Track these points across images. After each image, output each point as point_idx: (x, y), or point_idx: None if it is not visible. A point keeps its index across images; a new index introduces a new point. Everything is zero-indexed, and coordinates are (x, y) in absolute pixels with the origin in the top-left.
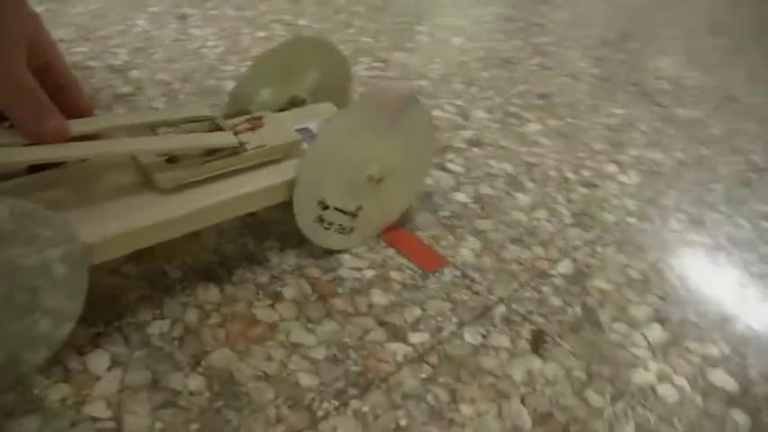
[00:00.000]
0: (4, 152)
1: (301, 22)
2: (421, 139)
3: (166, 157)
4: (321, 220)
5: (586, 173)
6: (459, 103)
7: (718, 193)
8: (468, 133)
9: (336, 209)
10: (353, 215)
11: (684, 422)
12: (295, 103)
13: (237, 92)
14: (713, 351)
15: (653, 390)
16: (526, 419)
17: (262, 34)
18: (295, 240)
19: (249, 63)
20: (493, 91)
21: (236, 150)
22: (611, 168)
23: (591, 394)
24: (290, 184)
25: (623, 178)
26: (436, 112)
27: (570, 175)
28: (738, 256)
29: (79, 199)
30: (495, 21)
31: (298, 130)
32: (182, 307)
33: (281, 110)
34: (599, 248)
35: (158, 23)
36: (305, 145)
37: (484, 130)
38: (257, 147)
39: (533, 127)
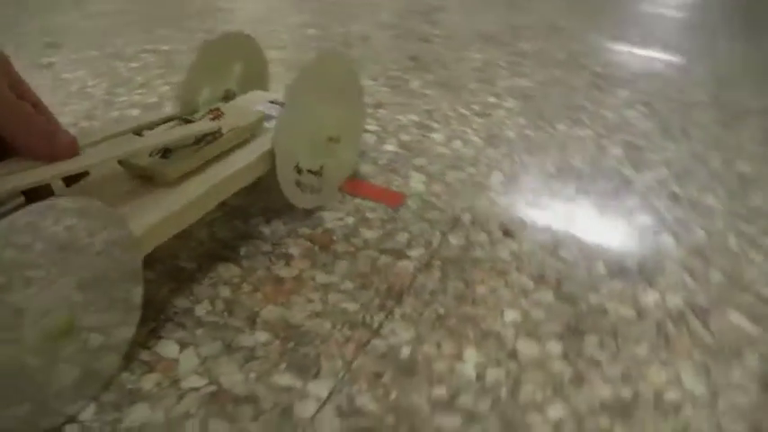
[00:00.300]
0: (29, 174)
1: (164, 47)
2: (356, 98)
3: (159, 155)
4: (299, 183)
5: (476, 107)
6: None
7: (581, 98)
8: (368, 99)
9: (308, 171)
10: (319, 174)
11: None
12: (228, 96)
13: (183, 96)
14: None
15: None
16: (527, 282)
17: (134, 65)
18: (274, 213)
19: (142, 88)
20: (369, 61)
21: (215, 136)
22: (493, 99)
23: (563, 254)
24: (266, 157)
25: (506, 104)
26: None
27: (464, 111)
28: (612, 138)
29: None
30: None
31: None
32: (212, 287)
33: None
34: (515, 158)
35: (30, 75)
36: (266, 124)
37: (377, 94)
38: (231, 129)
39: (416, 83)
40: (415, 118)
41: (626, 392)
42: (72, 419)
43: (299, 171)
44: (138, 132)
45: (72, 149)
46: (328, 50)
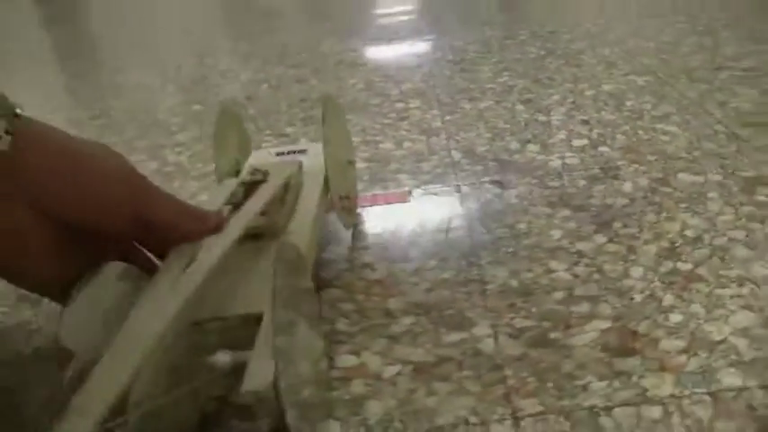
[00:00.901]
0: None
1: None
2: (344, 128)
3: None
4: (343, 208)
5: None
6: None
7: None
8: None
9: (341, 196)
10: (347, 198)
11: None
12: (238, 162)
13: (223, 167)
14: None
15: None
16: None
17: None
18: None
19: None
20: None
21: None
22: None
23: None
24: (324, 194)
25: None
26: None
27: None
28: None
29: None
30: None
31: None
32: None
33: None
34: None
35: None
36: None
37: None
38: (288, 181)
39: None
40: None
41: None
42: None
43: (340, 197)
44: (233, 203)
45: (220, 226)
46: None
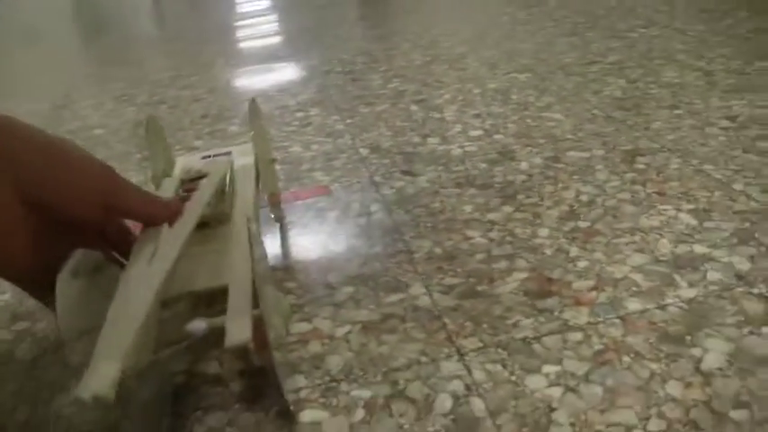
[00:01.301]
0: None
1: None
2: (265, 129)
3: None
4: (272, 203)
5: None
6: None
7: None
8: None
9: (271, 192)
10: (273, 194)
11: None
12: (166, 169)
13: (156, 170)
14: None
15: None
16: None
17: None
18: None
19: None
20: None
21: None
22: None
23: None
24: (257, 188)
25: None
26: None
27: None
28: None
29: None
30: None
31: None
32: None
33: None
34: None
35: None
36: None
37: None
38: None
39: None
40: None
41: None
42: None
43: (271, 194)
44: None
45: (180, 212)
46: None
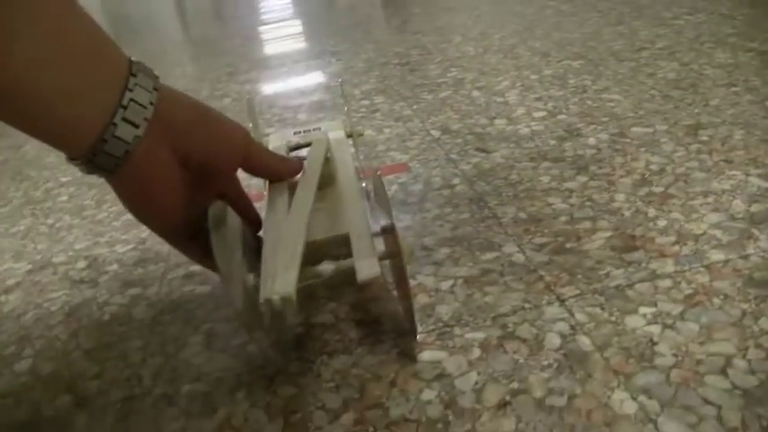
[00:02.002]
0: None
1: None
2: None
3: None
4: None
5: None
6: None
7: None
8: None
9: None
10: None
11: None
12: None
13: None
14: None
15: None
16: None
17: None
18: None
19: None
20: None
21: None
22: None
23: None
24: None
25: None
26: None
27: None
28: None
29: None
30: None
31: None
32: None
33: None
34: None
35: None
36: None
37: None
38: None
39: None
40: None
41: None
42: None
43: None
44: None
45: (301, 168)
46: None
